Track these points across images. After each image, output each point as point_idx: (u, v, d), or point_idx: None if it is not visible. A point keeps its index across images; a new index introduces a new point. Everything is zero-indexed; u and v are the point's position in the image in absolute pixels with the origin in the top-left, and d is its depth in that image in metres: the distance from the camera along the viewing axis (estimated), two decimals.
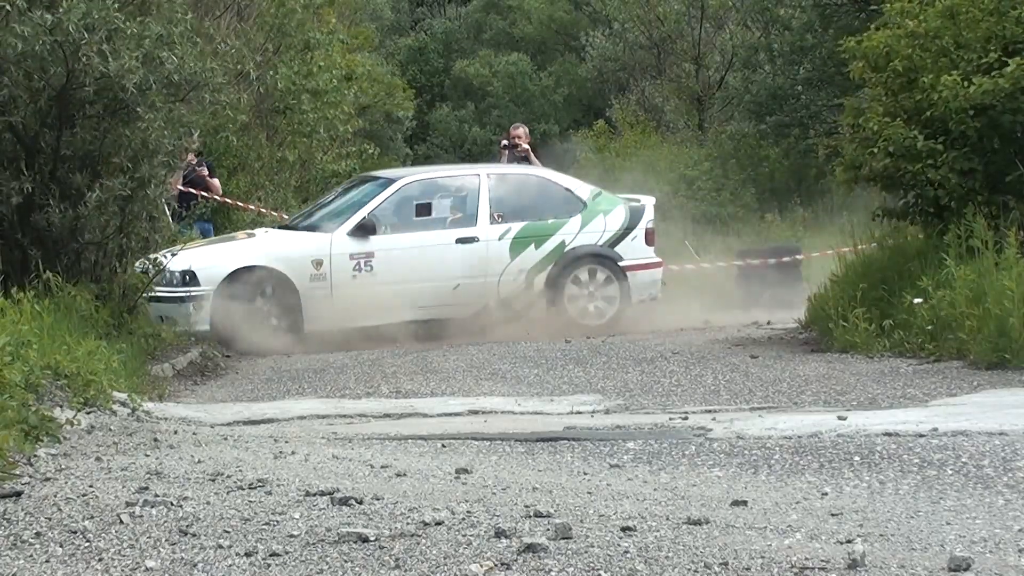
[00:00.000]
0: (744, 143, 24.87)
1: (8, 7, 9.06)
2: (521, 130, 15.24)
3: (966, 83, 9.91)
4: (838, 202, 20.19)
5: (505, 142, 14.96)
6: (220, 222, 17.43)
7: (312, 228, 13.04)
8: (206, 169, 15.81)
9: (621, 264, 12.96)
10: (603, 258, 13.01)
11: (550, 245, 12.95)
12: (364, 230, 12.70)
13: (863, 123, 10.60)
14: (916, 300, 9.68)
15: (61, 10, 9.29)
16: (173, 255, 11.64)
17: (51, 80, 9.76)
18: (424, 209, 13.09)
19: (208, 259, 12.53)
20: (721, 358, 9.98)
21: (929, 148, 10.09)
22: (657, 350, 10.55)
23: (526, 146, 14.99)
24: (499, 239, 12.96)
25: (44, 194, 9.82)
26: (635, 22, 30.78)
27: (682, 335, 12.03)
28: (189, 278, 12.24)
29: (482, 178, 13.30)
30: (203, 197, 15.60)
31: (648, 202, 13.58)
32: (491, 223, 12.97)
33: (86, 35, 9.35)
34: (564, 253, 12.97)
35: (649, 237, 13.24)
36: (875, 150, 10.34)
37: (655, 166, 23.60)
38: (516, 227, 12.97)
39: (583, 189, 13.43)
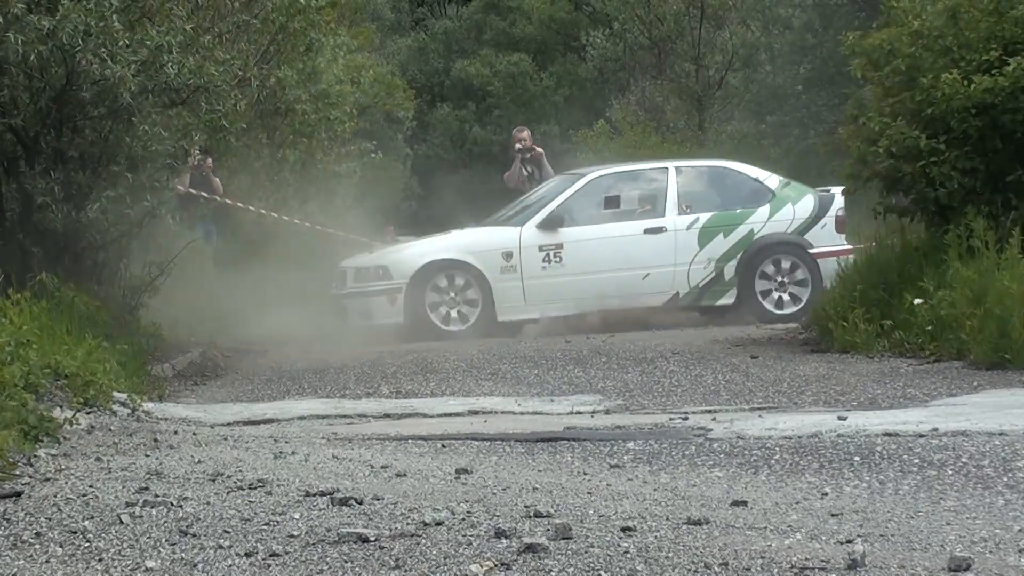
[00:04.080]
0: (744, 143, 24.89)
1: (3, 19, 9.04)
2: (526, 132, 15.47)
3: (966, 82, 9.91)
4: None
5: (518, 146, 15.13)
6: (221, 223, 17.43)
7: (505, 223, 13.62)
8: (210, 160, 15.79)
9: (811, 251, 13.13)
10: (793, 246, 13.26)
11: (739, 234, 13.24)
12: (553, 222, 13.22)
13: (864, 123, 10.60)
14: (916, 300, 9.67)
15: (58, 16, 9.28)
16: (371, 252, 12.87)
17: (51, 81, 9.75)
18: (613, 201, 13.55)
19: (401, 254, 13.37)
20: (721, 358, 9.98)
21: (931, 147, 10.09)
22: (657, 350, 10.55)
23: (540, 149, 15.23)
24: (687, 229, 13.32)
25: (46, 194, 9.81)
26: (635, 22, 30.79)
27: (682, 335, 12.03)
28: (382, 272, 12.99)
29: (670, 170, 13.74)
30: (204, 197, 15.61)
31: (837, 191, 13.81)
32: (679, 213, 13.25)
33: (81, 43, 9.35)
34: (753, 241, 13.21)
35: (839, 224, 13.49)
36: (878, 150, 10.34)
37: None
38: (704, 217, 13.32)
39: (772, 179, 13.79)
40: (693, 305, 13.37)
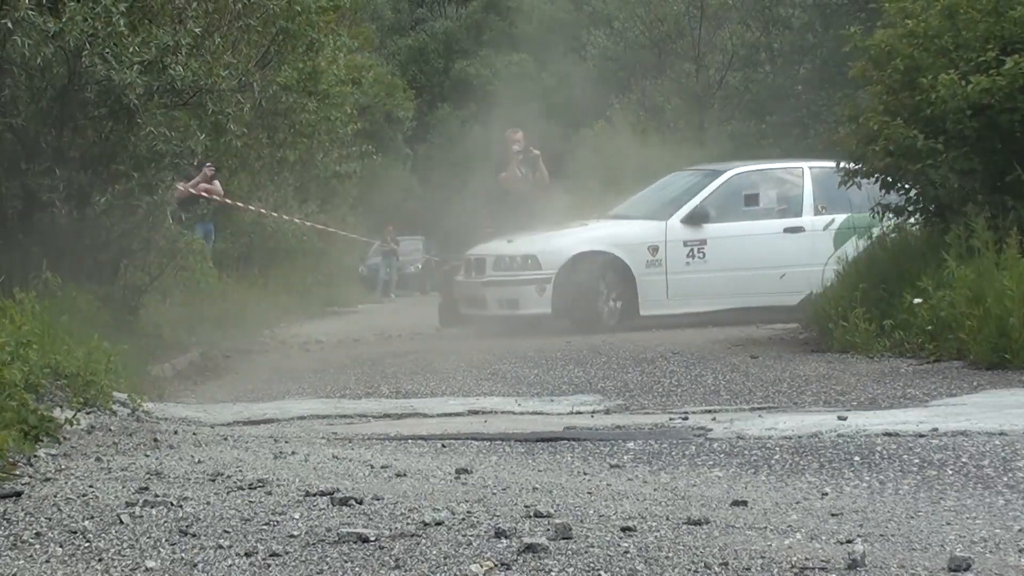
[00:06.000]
0: (744, 143, 24.90)
1: (10, 22, 9.03)
2: (520, 134, 15.38)
3: (964, 82, 9.91)
4: None
5: (517, 147, 15.06)
6: (221, 223, 17.44)
7: (648, 216, 13.58)
8: (213, 169, 15.80)
9: None
10: None
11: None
12: (697, 218, 13.26)
13: (863, 122, 10.61)
14: (916, 300, 9.68)
15: (64, 18, 9.27)
16: (510, 241, 12.88)
17: (52, 81, 9.75)
18: (752, 199, 13.59)
19: (549, 244, 13.28)
20: (721, 358, 9.98)
21: (929, 148, 10.09)
22: (657, 350, 10.55)
23: (537, 151, 15.15)
24: (824, 229, 13.41)
25: (50, 192, 9.81)
26: (635, 21, 30.78)
27: (682, 335, 12.03)
28: (531, 262, 13.06)
29: (805, 170, 13.75)
30: (204, 197, 15.61)
31: None
32: (815, 213, 13.27)
33: (88, 46, 9.34)
34: None
35: None
36: (876, 148, 10.35)
37: (655, 166, 23.58)
38: (839, 218, 13.34)
39: None
40: None
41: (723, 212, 13.45)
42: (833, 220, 13.44)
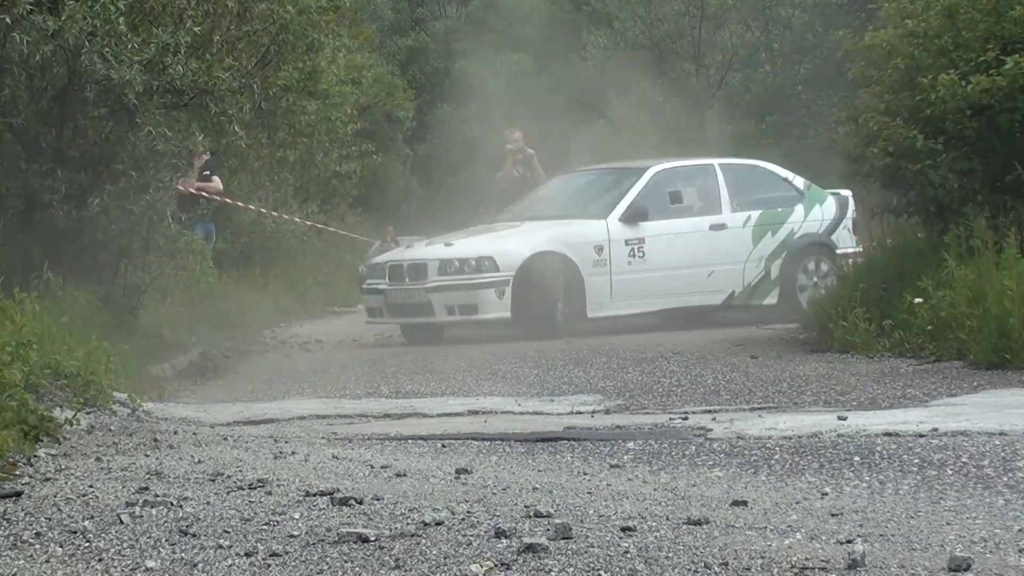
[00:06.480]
0: (744, 143, 24.92)
1: (9, 19, 9.03)
2: (518, 133, 15.33)
3: (964, 82, 9.91)
4: None
5: (510, 147, 15.01)
6: (221, 223, 17.43)
7: (583, 216, 13.17)
8: (208, 154, 15.77)
9: (838, 252, 13.15)
10: (825, 247, 13.29)
11: (783, 233, 13.22)
12: (635, 216, 12.96)
13: (863, 122, 10.62)
14: (916, 300, 9.68)
15: (63, 16, 9.27)
16: (448, 244, 12.44)
17: (53, 80, 9.75)
18: (676, 197, 13.37)
19: (502, 245, 12.73)
20: (721, 358, 9.98)
21: (929, 148, 10.09)
22: (657, 350, 10.55)
23: (531, 151, 15.07)
24: (743, 226, 13.27)
25: (49, 194, 9.81)
26: (635, 21, 30.80)
27: (682, 335, 12.03)
28: (488, 264, 12.48)
29: (716, 167, 13.64)
30: (204, 197, 15.59)
31: (848, 194, 13.76)
32: (732, 210, 13.22)
33: (87, 44, 9.34)
34: (794, 241, 13.19)
35: (855, 227, 13.43)
36: (875, 148, 10.36)
37: None
38: (755, 215, 13.30)
39: (798, 180, 13.71)
40: (744, 304, 13.21)
41: (654, 210, 13.10)
42: (750, 216, 13.31)
